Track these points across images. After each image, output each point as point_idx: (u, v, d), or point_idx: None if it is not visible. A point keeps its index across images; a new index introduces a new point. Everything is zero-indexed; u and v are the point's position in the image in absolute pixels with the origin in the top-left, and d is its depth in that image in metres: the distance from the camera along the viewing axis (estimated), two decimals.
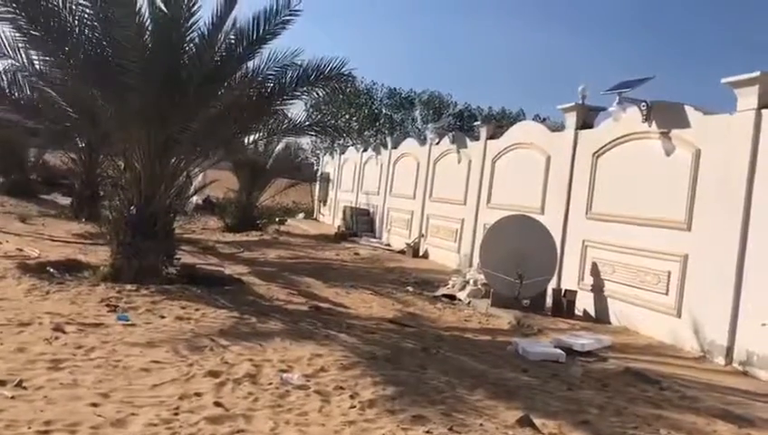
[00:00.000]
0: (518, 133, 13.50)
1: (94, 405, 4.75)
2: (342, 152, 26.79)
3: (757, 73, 7.75)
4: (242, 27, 9.79)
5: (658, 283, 9.03)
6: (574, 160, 11.30)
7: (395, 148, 20.52)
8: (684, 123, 8.93)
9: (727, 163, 8.16)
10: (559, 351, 7.47)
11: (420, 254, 16.80)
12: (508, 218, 11.08)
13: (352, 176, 24.35)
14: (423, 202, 17.49)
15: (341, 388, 5.54)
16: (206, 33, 9.53)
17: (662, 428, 5.37)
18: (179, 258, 10.42)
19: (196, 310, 7.95)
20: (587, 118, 11.38)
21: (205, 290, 9.10)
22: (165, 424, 4.53)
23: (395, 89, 43.93)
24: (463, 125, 40.77)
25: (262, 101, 10.42)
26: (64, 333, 6.50)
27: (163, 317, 7.53)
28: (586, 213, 10.80)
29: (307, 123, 12.57)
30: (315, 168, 32.07)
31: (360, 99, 41.38)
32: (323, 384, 5.61)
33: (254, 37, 9.81)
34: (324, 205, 28.24)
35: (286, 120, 11.67)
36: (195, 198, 25.00)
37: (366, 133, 39.31)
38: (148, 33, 9.11)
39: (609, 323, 9.81)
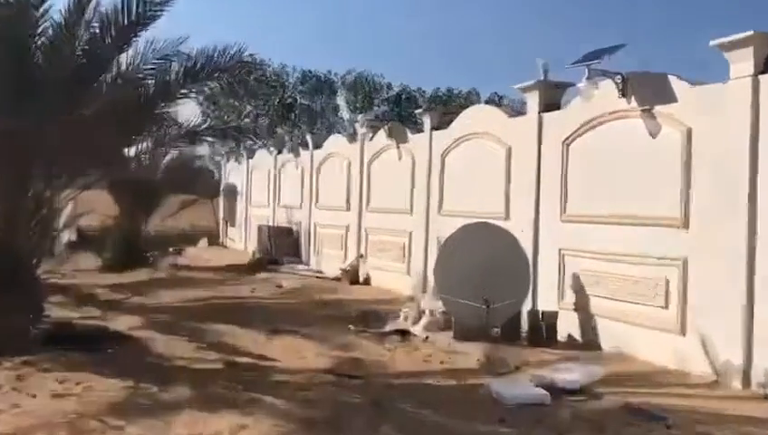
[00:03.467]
0: (470, 121, 13.71)
1: None
2: (251, 156, 26.66)
3: (750, 33, 8.10)
4: (108, 12, 9.64)
5: (655, 295, 9.30)
6: (541, 151, 11.54)
7: (318, 147, 20.55)
8: (669, 97, 9.24)
9: (724, 142, 8.48)
10: (542, 392, 7.60)
11: (361, 280, 16.84)
12: (466, 229, 11.20)
13: (266, 186, 24.27)
14: (359, 213, 17.55)
15: None
16: (64, 22, 9.34)
17: None
18: (48, 315, 10.14)
19: (78, 383, 7.75)
20: (552, 97, 11.64)
21: (86, 354, 8.88)
22: None
23: (310, 71, 44.08)
24: (401, 113, 41.17)
25: (142, 103, 10.26)
26: None
27: (34, 396, 7.31)
28: (560, 215, 11.03)
29: (203, 127, 12.45)
30: (216, 176, 31.77)
31: (268, 87, 41.30)
32: None
33: (126, 23, 9.66)
34: (232, 225, 27.98)
35: (175, 126, 11.53)
36: (66, 234, 24.36)
37: (279, 131, 39.17)
38: None
39: (600, 347, 10.03)
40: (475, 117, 13.73)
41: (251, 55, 10.34)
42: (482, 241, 10.84)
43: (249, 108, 40.39)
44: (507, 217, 12.09)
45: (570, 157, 10.98)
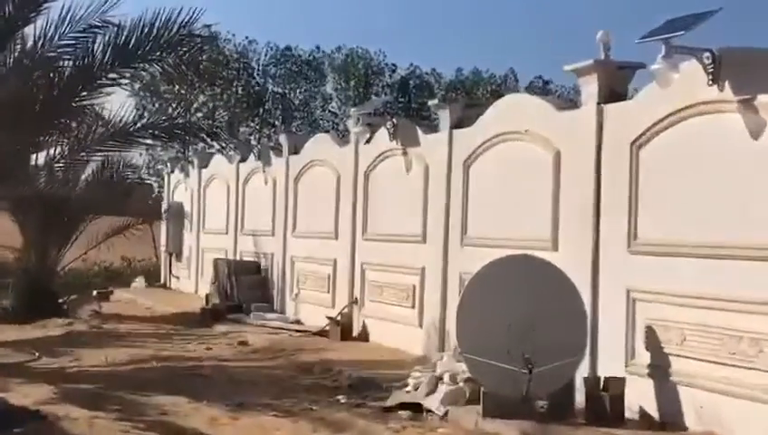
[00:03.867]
0: (503, 115, 13.70)
1: None
2: (204, 165, 26.66)
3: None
4: None
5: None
6: (601, 156, 11.52)
7: (296, 153, 20.57)
8: None
9: None
10: None
11: (355, 333, 16.82)
12: (499, 264, 11.16)
13: (225, 206, 24.27)
14: (353, 243, 17.55)
15: None
16: None
17: None
18: None
19: None
20: (616, 83, 11.65)
21: None
22: None
23: (288, 49, 44.25)
24: (409, 104, 41.35)
25: (55, 93, 10.31)
26: None
27: None
28: (629, 244, 10.99)
29: (139, 125, 12.51)
30: (157, 192, 31.76)
31: (228, 69, 41.48)
32: None
33: None
34: (178, 260, 27.95)
35: (101, 123, 11.57)
36: None
37: (244, 129, 39.39)
38: None
39: (685, 428, 9.94)
40: (510, 110, 13.73)
41: (206, 27, 10.36)
42: (521, 280, 10.79)
43: (202, 98, 40.57)
44: (555, 246, 12.05)
45: (641, 163, 10.95)
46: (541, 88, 46.25)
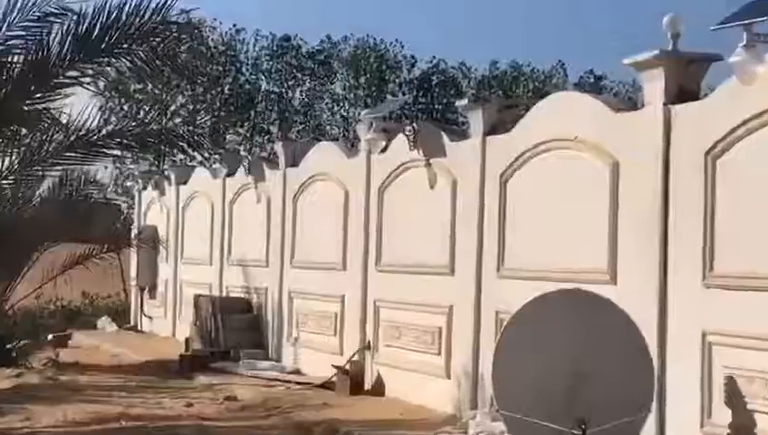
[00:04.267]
0: (549, 118, 13.70)
1: None
2: (183, 181, 26.71)
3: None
4: None
5: None
6: (669, 167, 11.49)
7: (294, 165, 20.59)
8: None
9: None
10: None
11: (367, 386, 16.83)
12: (544, 301, 11.11)
13: (209, 230, 24.35)
14: (364, 275, 17.55)
15: None
16: None
17: None
18: None
19: None
20: (686, 79, 11.63)
21: None
22: None
23: (286, 39, 44.31)
24: (432, 105, 41.33)
25: (4, 93, 10.35)
26: None
27: None
28: (705, 275, 10.94)
29: (105, 132, 12.53)
30: (126, 214, 31.76)
31: (213, 64, 41.58)
32: None
33: None
34: (152, 296, 27.95)
35: (59, 130, 11.59)
36: None
37: (233, 136, 39.41)
38: None
39: None
40: (556, 112, 13.70)
41: (184, 12, 10.34)
42: (571, 320, 10.75)
43: (181, 99, 40.66)
44: (613, 279, 12.05)
45: (717, 177, 10.92)
46: (593, 85, 46.25)
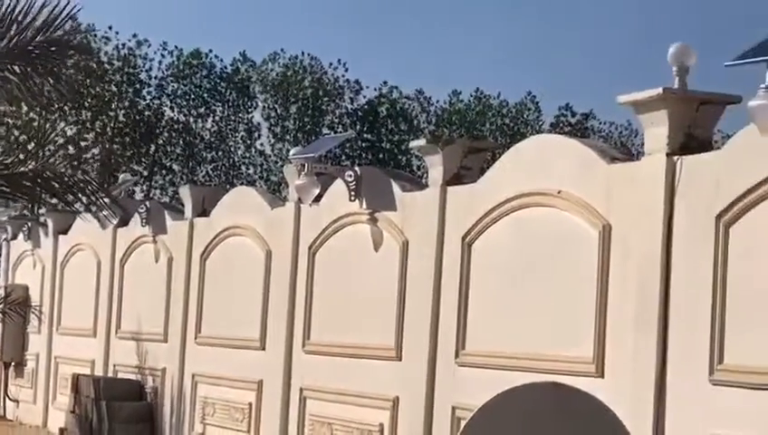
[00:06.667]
0: (525, 166, 13.81)
1: None
2: (64, 229, 26.55)
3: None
4: None
5: None
6: (671, 233, 11.57)
7: (204, 214, 20.55)
8: None
9: None
10: None
11: None
12: (516, 395, 11.11)
13: (94, 293, 24.28)
14: (288, 355, 17.57)
15: None
16: None
17: None
18: None
19: None
20: (695, 123, 11.74)
21: None
22: None
23: (196, 55, 44.20)
24: (380, 145, 41.36)
25: None
26: None
27: None
28: (711, 370, 10.99)
29: None
30: None
31: (105, 84, 41.46)
32: None
33: None
34: (19, 374, 27.76)
35: None
36: None
37: (125, 176, 39.30)
38: None
39: None
40: (534, 159, 13.82)
41: (69, 18, 10.28)
42: (547, 421, 10.78)
43: (64, 126, 40.48)
44: (599, 370, 12.11)
45: (731, 246, 10.98)
46: (573, 124, 46.56)
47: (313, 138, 37.95)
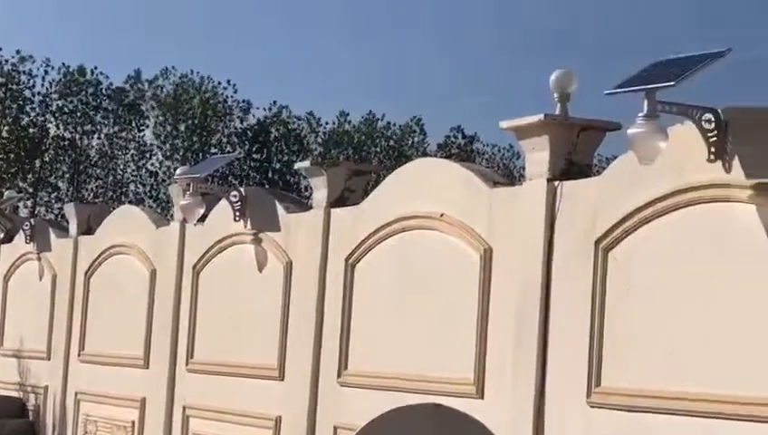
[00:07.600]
0: (408, 189, 13.93)
1: None
2: None
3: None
4: None
5: None
6: (552, 259, 11.72)
7: (89, 232, 20.49)
8: None
9: None
10: None
11: None
12: (396, 417, 11.26)
13: None
14: (172, 374, 17.61)
15: None
16: None
17: None
18: None
19: None
20: (576, 151, 11.92)
21: None
22: None
23: (81, 72, 43.78)
24: (268, 164, 41.29)
25: None
26: None
27: None
28: (588, 393, 11.10)
29: None
30: None
31: None
32: None
33: None
34: None
35: None
36: None
37: (10, 192, 38.95)
38: None
39: None
40: (417, 181, 13.96)
41: None
42: None
43: None
44: (480, 392, 12.17)
45: (610, 271, 11.14)
46: (462, 147, 46.80)
47: (202, 157, 37.68)
